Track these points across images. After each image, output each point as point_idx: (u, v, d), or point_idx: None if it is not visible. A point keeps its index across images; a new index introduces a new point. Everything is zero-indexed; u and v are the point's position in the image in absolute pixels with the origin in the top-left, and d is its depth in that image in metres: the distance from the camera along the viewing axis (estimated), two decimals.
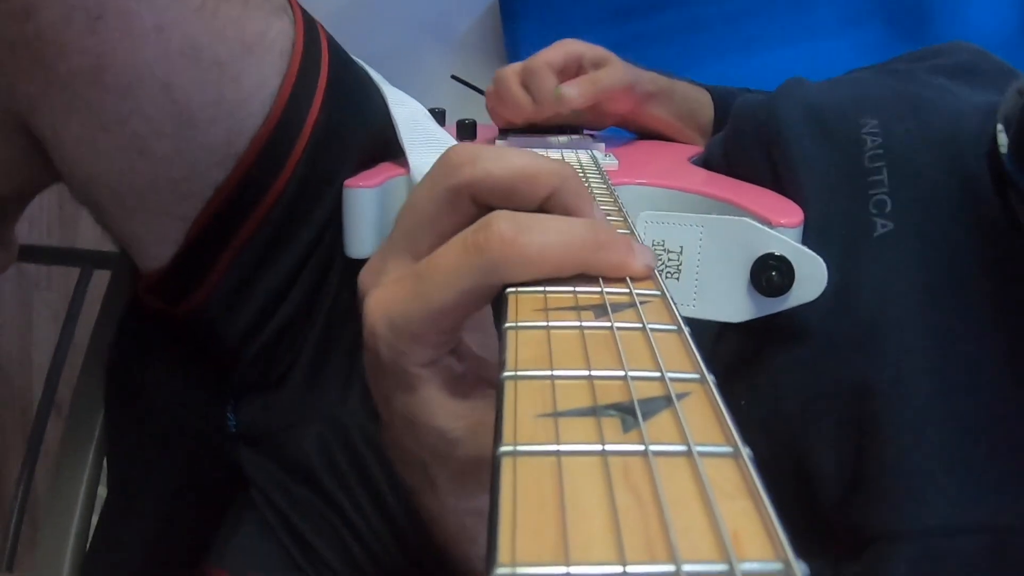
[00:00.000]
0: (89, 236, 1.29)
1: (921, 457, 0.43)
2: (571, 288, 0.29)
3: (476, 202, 0.32)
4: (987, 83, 0.57)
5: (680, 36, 1.26)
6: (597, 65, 0.71)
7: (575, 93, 0.68)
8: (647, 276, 0.30)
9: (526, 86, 0.70)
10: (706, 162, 0.64)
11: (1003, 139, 0.48)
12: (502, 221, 0.29)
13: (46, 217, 1.25)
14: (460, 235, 0.30)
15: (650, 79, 0.74)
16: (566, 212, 0.32)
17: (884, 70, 0.67)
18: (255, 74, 0.52)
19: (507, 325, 0.27)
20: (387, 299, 0.31)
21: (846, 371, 0.46)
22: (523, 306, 0.28)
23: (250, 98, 0.52)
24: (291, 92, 0.53)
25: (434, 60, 1.40)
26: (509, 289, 0.29)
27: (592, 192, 0.45)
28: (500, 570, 0.17)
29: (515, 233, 0.28)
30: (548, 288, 0.29)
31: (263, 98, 0.52)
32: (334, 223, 0.56)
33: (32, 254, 1.04)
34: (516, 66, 0.71)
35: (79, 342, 0.95)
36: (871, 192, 0.49)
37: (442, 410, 0.32)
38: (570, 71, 0.71)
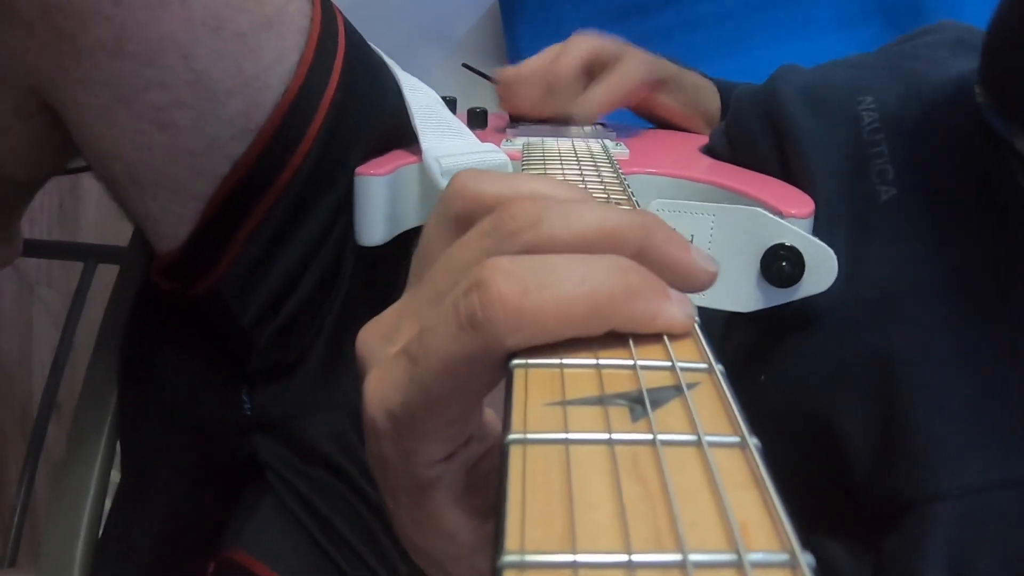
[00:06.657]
0: (89, 235, 1.29)
1: (949, 418, 0.42)
2: None
3: None
4: (976, 53, 0.58)
5: (679, 35, 1.26)
6: (616, 58, 0.70)
7: (594, 107, 0.67)
8: (687, 330, 0.24)
9: (550, 90, 0.68)
10: (710, 152, 0.63)
11: (980, 91, 0.49)
12: (500, 279, 0.22)
13: (46, 215, 1.25)
14: (451, 298, 0.23)
15: (661, 66, 0.73)
16: (656, 268, 0.25)
17: (875, 53, 0.67)
18: (275, 48, 0.52)
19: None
20: (384, 384, 0.25)
21: (866, 341, 0.45)
22: None
23: (269, 72, 0.52)
24: (309, 68, 0.53)
25: (436, 61, 1.40)
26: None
27: (603, 181, 0.45)
28: (508, 558, 0.16)
29: (519, 294, 0.22)
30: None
31: (282, 73, 0.52)
32: (349, 207, 0.55)
33: (36, 248, 1.04)
34: (539, 69, 0.68)
35: (80, 340, 0.95)
36: (873, 163, 0.49)
37: (456, 517, 0.27)
38: (592, 72, 0.69)
